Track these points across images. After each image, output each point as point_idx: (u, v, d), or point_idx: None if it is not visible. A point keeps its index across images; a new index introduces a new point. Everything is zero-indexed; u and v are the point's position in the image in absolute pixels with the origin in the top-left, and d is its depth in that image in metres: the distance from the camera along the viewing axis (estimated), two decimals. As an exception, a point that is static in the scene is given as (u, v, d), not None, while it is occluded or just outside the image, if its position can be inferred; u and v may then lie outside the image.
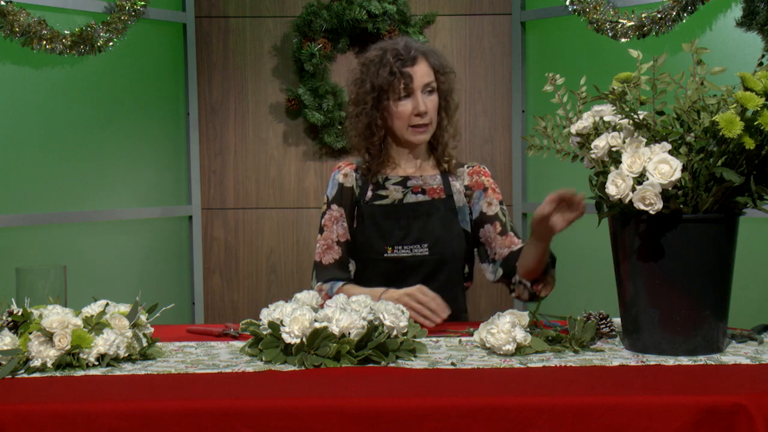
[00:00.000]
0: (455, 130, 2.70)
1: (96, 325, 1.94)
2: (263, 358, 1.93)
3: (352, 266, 2.65)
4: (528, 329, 2.04)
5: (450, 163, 2.69)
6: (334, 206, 2.64)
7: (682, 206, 1.89)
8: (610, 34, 3.40)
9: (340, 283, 2.57)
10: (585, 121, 2.04)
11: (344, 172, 2.67)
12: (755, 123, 1.84)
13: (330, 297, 2.49)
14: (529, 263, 2.50)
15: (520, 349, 1.97)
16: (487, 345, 1.99)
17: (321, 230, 2.65)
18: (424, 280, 2.53)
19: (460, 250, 2.65)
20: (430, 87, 2.60)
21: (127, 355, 1.94)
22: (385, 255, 2.60)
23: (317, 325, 1.91)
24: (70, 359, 1.88)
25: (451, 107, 2.68)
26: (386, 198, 2.64)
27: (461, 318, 2.65)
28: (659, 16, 3.27)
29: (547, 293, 2.58)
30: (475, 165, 2.74)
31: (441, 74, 2.63)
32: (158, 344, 2.06)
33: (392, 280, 2.54)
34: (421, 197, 2.64)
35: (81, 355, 1.89)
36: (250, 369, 1.87)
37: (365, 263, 2.62)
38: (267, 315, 2.00)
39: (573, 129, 2.05)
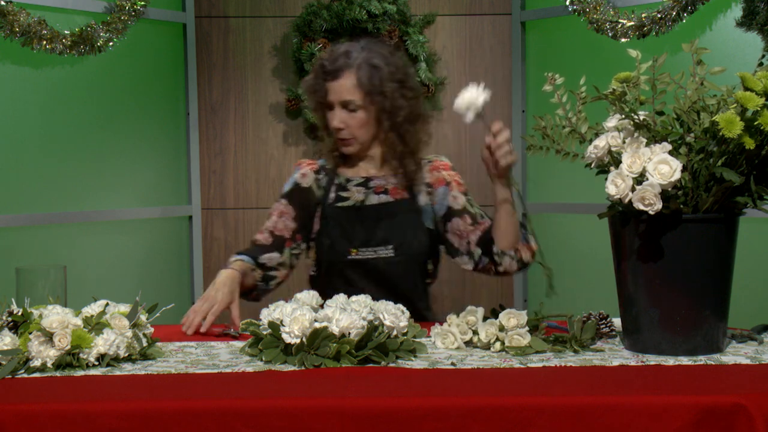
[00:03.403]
0: (416, 145, 2.61)
1: (96, 325, 1.94)
2: (263, 358, 1.93)
3: (281, 259, 2.59)
4: (528, 329, 2.04)
5: (408, 173, 2.62)
6: (284, 201, 2.64)
7: (682, 206, 1.89)
8: (610, 34, 3.41)
9: (243, 255, 2.56)
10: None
11: (303, 172, 2.66)
12: (755, 123, 1.84)
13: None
14: (502, 224, 2.49)
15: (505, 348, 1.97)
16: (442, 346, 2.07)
17: (268, 217, 2.66)
18: (389, 281, 2.54)
19: (424, 249, 2.62)
20: (351, 105, 2.54)
21: (127, 355, 1.94)
22: (349, 257, 2.57)
23: (317, 325, 1.91)
24: (70, 359, 1.88)
25: (399, 125, 2.57)
26: (348, 200, 2.62)
27: (426, 316, 2.62)
28: (659, 16, 3.27)
29: (530, 256, 2.56)
30: (434, 160, 2.69)
31: (374, 93, 2.52)
32: (158, 344, 2.06)
33: (356, 283, 2.54)
34: (384, 198, 2.62)
35: (81, 355, 1.89)
36: (250, 369, 1.87)
37: (329, 266, 2.60)
38: (267, 315, 2.00)
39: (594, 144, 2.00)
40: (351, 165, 2.66)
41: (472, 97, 2.28)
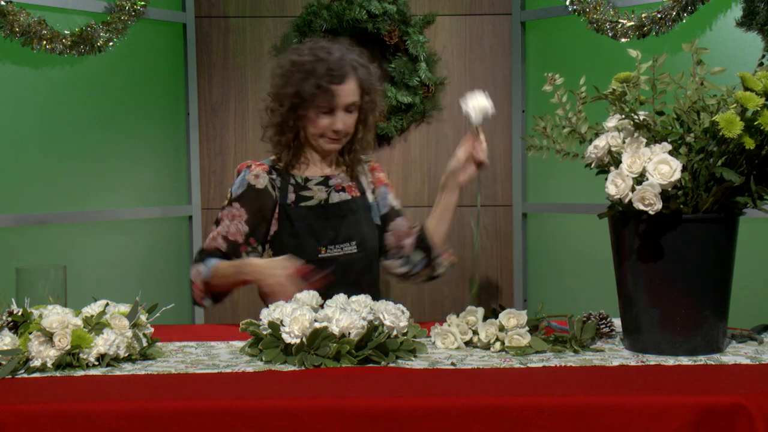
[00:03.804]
0: (368, 144, 2.71)
1: (96, 325, 1.94)
2: (263, 358, 1.93)
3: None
4: (528, 329, 2.04)
5: (358, 171, 2.73)
6: (236, 205, 2.58)
7: (682, 206, 1.89)
8: (610, 34, 3.40)
9: (215, 260, 2.53)
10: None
11: (255, 173, 2.60)
12: (755, 123, 1.84)
13: (204, 274, 2.51)
14: (444, 230, 2.63)
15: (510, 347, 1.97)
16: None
17: (216, 223, 2.59)
18: (356, 278, 2.60)
19: (378, 245, 2.73)
20: (352, 107, 2.60)
21: (127, 355, 1.94)
22: (319, 256, 2.58)
23: (317, 325, 1.91)
24: (70, 359, 1.88)
25: (369, 123, 2.68)
26: (311, 199, 2.63)
27: None
28: (659, 16, 3.27)
29: (451, 261, 2.74)
30: (370, 161, 2.80)
31: (367, 94, 2.62)
32: (158, 344, 2.06)
33: (330, 281, 2.52)
34: (344, 195, 2.67)
35: (81, 355, 1.89)
36: (250, 369, 1.87)
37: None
38: (267, 315, 2.00)
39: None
40: (305, 164, 2.66)
41: (483, 104, 2.44)
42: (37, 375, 1.84)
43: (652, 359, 1.91)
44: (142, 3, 3.56)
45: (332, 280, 2.48)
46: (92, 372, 1.87)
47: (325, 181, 2.66)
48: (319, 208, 2.62)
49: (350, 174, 2.72)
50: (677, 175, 1.83)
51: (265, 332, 1.97)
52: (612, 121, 1.98)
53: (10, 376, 1.83)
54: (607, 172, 1.95)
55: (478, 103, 2.47)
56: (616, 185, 1.87)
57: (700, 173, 1.88)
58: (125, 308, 2.00)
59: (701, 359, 1.90)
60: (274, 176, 2.62)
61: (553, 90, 2.08)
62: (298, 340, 1.89)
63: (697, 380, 1.75)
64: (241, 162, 2.73)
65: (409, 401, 1.62)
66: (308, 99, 2.55)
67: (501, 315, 2.05)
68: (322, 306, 2.07)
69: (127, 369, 1.89)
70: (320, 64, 2.55)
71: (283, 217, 2.60)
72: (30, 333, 1.89)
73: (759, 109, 1.83)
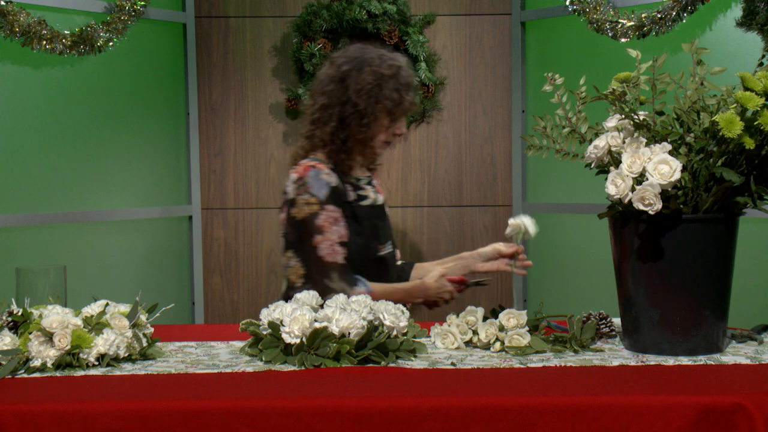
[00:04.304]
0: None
1: (96, 325, 1.94)
2: (263, 358, 1.93)
3: None
4: (528, 329, 2.04)
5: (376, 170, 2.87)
6: (331, 207, 2.58)
7: (682, 206, 1.89)
8: (610, 34, 3.40)
9: (364, 283, 2.58)
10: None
11: (326, 172, 2.61)
12: (755, 123, 1.84)
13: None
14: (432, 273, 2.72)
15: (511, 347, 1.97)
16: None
17: (319, 231, 2.56)
18: (392, 276, 2.72)
19: None
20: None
21: (127, 355, 1.94)
22: (378, 254, 2.67)
23: (317, 325, 1.91)
24: (70, 359, 1.88)
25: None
26: (367, 198, 2.69)
27: None
28: (659, 16, 3.27)
29: None
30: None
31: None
32: (158, 344, 2.06)
33: (377, 279, 2.62)
34: (381, 197, 2.78)
35: (81, 355, 1.89)
36: (250, 369, 1.87)
37: (360, 264, 2.61)
38: (267, 315, 2.00)
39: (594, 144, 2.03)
40: (350, 166, 2.69)
41: (524, 225, 2.51)
42: (37, 375, 1.84)
43: (652, 359, 1.91)
44: (142, 3, 3.56)
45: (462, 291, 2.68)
46: (92, 372, 1.87)
47: (370, 182, 2.76)
48: (374, 207, 2.71)
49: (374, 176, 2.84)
50: (677, 175, 1.83)
51: (265, 332, 1.97)
52: (612, 121, 1.98)
53: (10, 376, 1.83)
54: (607, 172, 1.95)
55: (519, 225, 2.52)
56: (616, 185, 1.87)
57: (700, 173, 1.88)
58: (125, 308, 2.00)
59: (701, 359, 1.90)
60: (336, 175, 2.66)
61: (553, 90, 2.08)
62: (298, 340, 1.89)
63: (697, 380, 1.75)
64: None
65: (409, 401, 1.62)
66: (391, 106, 2.63)
67: (501, 315, 2.05)
68: (322, 306, 2.07)
69: (127, 369, 1.89)
70: (403, 75, 2.66)
71: (348, 215, 2.63)
72: (30, 333, 1.89)
73: (759, 109, 1.83)
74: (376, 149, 2.70)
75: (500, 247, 2.67)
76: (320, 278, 2.55)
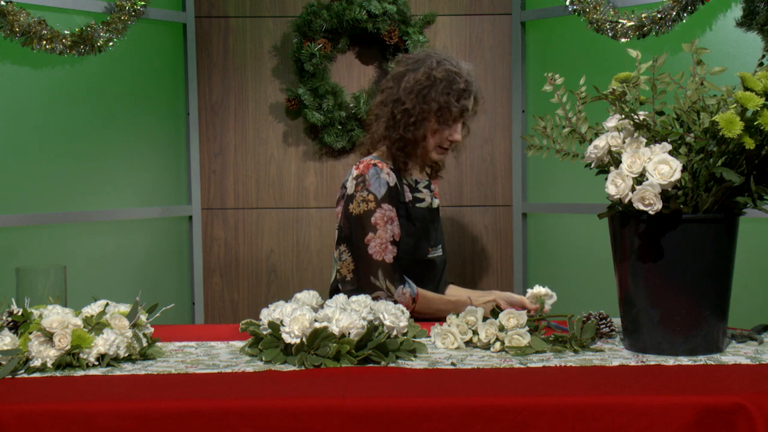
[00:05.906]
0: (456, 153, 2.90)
1: (96, 325, 1.94)
2: (263, 358, 1.93)
3: None
4: (528, 329, 2.04)
5: (436, 176, 2.88)
6: (387, 206, 2.61)
7: (682, 206, 1.89)
8: (610, 34, 3.40)
9: (412, 286, 2.60)
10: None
11: (387, 172, 2.65)
12: (755, 123, 1.84)
13: (414, 301, 2.58)
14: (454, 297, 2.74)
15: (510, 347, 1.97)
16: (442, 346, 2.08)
17: (373, 229, 2.59)
18: (441, 279, 2.75)
19: None
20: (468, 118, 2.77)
21: (127, 355, 1.94)
22: (428, 256, 2.71)
23: (317, 325, 1.91)
24: (70, 359, 1.88)
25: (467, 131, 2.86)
26: (423, 201, 2.74)
27: None
28: (659, 16, 3.27)
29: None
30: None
31: (476, 104, 2.77)
32: (158, 344, 2.06)
33: (424, 280, 2.67)
34: (437, 201, 2.83)
35: (81, 355, 1.89)
36: (250, 369, 1.87)
37: (408, 264, 2.65)
38: (267, 315, 2.00)
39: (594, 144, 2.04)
40: (410, 168, 2.75)
41: (549, 296, 2.60)
42: (37, 375, 1.84)
43: (652, 359, 1.91)
44: (142, 3, 3.56)
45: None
46: (92, 372, 1.87)
47: (428, 185, 2.80)
48: (428, 210, 2.74)
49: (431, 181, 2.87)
50: (677, 175, 1.83)
51: (265, 332, 1.97)
52: (612, 121, 1.98)
53: (10, 376, 1.83)
54: (607, 172, 1.95)
55: (537, 294, 2.61)
56: (616, 185, 1.87)
57: (700, 173, 1.88)
58: (125, 308, 2.00)
59: (701, 359, 1.90)
60: (395, 176, 2.69)
61: (553, 90, 2.08)
62: (298, 340, 1.89)
63: (697, 380, 1.75)
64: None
65: (409, 401, 1.62)
66: (443, 112, 2.66)
67: (501, 315, 2.05)
68: (322, 306, 2.07)
69: (127, 369, 1.89)
70: (462, 80, 2.67)
71: (402, 215, 2.66)
72: (30, 333, 1.89)
73: (759, 109, 1.83)
74: (430, 153, 2.71)
75: (527, 302, 2.65)
76: (367, 275, 2.58)
